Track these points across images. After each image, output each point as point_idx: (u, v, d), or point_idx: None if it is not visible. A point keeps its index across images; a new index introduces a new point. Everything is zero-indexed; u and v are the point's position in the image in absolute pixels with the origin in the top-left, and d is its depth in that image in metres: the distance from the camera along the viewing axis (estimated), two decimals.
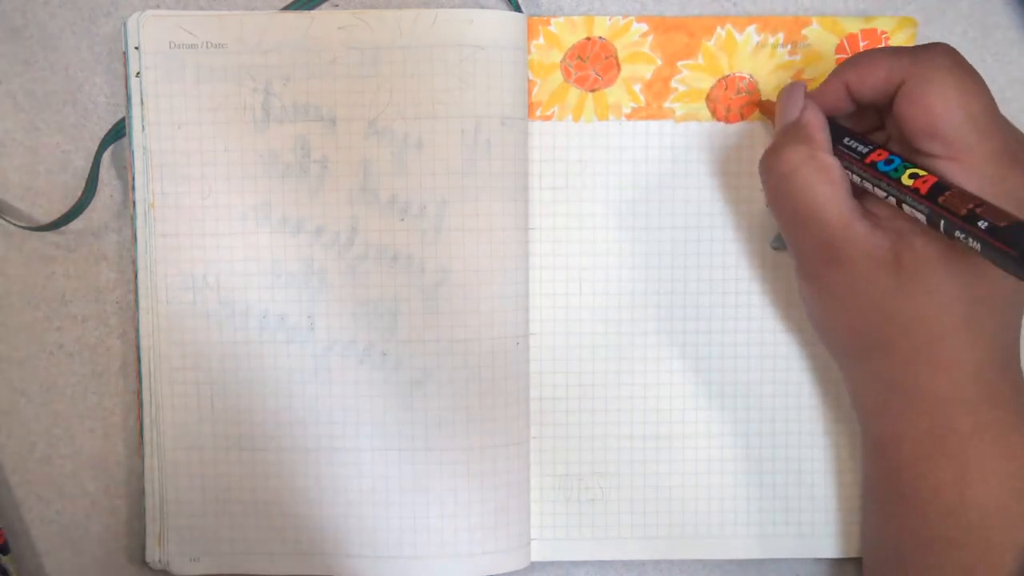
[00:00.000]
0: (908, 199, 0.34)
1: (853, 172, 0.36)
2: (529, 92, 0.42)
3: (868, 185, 0.36)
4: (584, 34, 0.42)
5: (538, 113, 0.42)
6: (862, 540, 0.41)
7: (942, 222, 0.33)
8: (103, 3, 0.42)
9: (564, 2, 0.42)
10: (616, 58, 0.42)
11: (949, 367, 0.35)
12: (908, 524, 0.37)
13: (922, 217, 0.34)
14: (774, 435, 0.42)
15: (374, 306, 0.41)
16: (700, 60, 0.42)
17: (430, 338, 0.41)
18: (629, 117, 0.42)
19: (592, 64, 0.42)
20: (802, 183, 0.36)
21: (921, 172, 0.34)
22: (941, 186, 0.33)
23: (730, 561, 0.43)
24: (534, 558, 0.42)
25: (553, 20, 0.42)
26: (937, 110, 0.34)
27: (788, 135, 0.37)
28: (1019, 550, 0.35)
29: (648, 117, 0.42)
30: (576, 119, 0.42)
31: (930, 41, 0.37)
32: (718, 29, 0.42)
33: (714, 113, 0.42)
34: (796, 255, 0.38)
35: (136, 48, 0.40)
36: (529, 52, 0.42)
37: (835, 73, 0.38)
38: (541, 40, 0.42)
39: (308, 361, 0.41)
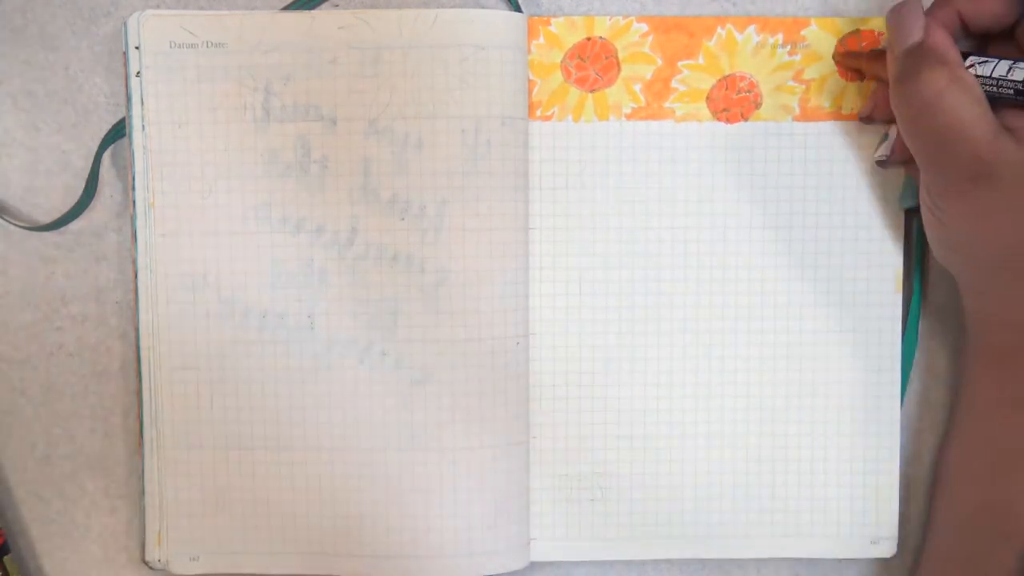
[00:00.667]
0: None
1: (999, 62, 0.36)
2: (529, 92, 0.42)
3: (1005, 89, 0.36)
4: (584, 34, 0.42)
5: (538, 113, 0.42)
6: (945, 473, 0.42)
7: None
8: (103, 3, 0.42)
9: (564, 2, 0.42)
10: (616, 58, 0.42)
11: None
12: (1022, 432, 0.38)
13: None
14: (774, 435, 0.42)
15: (374, 306, 0.41)
16: (700, 60, 0.42)
17: (430, 338, 0.41)
18: (629, 117, 0.42)
19: (592, 64, 0.42)
20: (949, 106, 0.36)
21: None
22: None
23: (730, 561, 0.43)
24: (534, 558, 0.42)
25: (553, 20, 0.42)
26: None
27: (920, 59, 0.37)
28: None
29: (648, 117, 0.42)
30: (576, 119, 0.42)
31: None
32: (718, 29, 0.42)
33: (714, 113, 0.42)
34: (940, 180, 0.37)
35: (136, 48, 0.40)
36: (529, 52, 0.42)
37: (945, 2, 0.37)
38: (541, 40, 0.42)
39: (308, 361, 0.41)
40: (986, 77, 0.37)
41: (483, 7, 0.42)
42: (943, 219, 0.38)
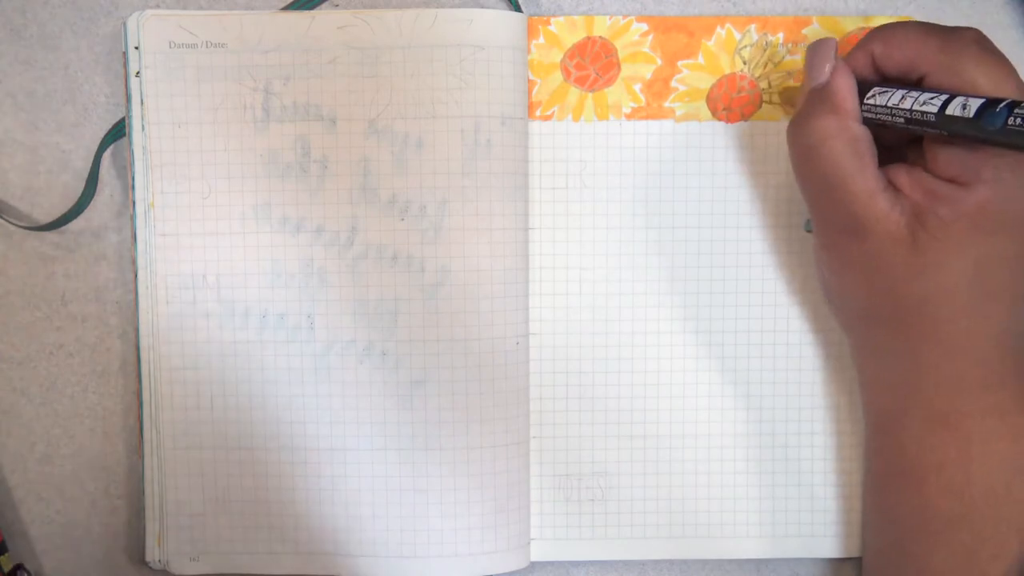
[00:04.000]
0: (958, 94, 0.33)
1: (899, 91, 0.35)
2: (529, 92, 0.42)
3: (912, 101, 0.35)
4: (584, 34, 0.42)
5: (538, 113, 0.42)
6: (863, 524, 0.42)
7: (1003, 105, 0.32)
8: (103, 3, 0.42)
9: (564, 2, 0.42)
10: (616, 58, 0.42)
11: (955, 349, 0.35)
12: (910, 502, 0.37)
13: (976, 103, 0.33)
14: (774, 435, 0.42)
15: (374, 306, 0.41)
16: (700, 60, 0.42)
17: (430, 338, 0.41)
18: (629, 117, 0.42)
19: (592, 64, 0.42)
20: (830, 155, 0.36)
21: (970, 100, 0.33)
22: (995, 101, 0.33)
23: (730, 561, 0.43)
24: (534, 558, 0.42)
25: (553, 20, 0.42)
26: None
27: (817, 102, 0.37)
28: (1023, 531, 0.35)
29: (648, 117, 0.42)
30: (576, 119, 0.42)
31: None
32: (718, 29, 0.42)
33: (714, 113, 0.42)
34: (817, 224, 0.38)
35: (136, 48, 0.40)
36: (529, 52, 0.42)
37: (863, 42, 0.37)
38: (541, 40, 0.42)
39: (308, 361, 0.41)
40: (881, 106, 0.36)
41: (483, 7, 0.42)
42: (823, 268, 0.39)
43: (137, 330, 0.41)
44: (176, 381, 0.41)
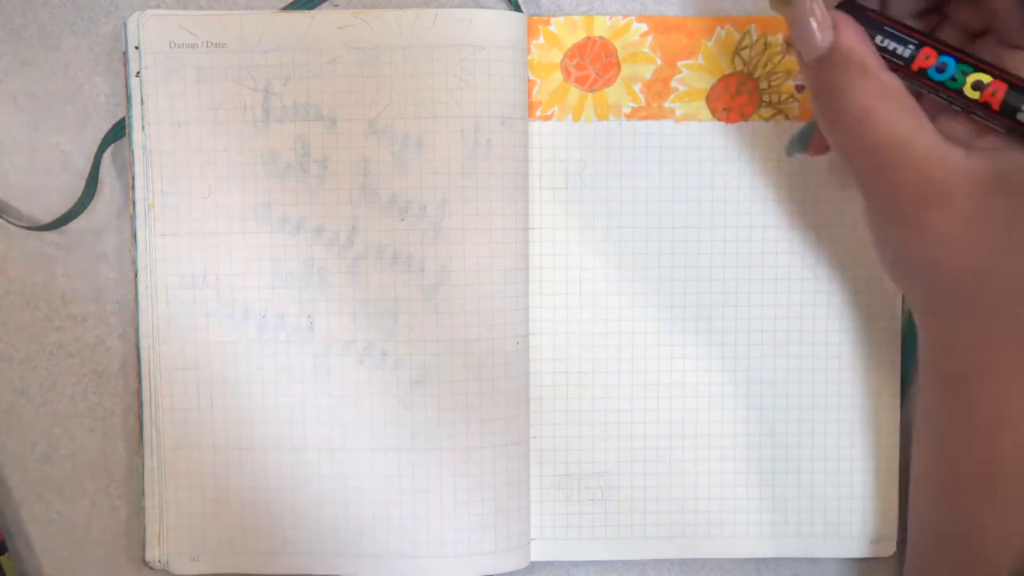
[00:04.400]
0: (978, 114, 0.29)
1: (910, 46, 0.31)
2: (529, 92, 0.42)
3: (924, 90, 0.31)
4: (584, 34, 0.42)
5: (538, 113, 0.42)
6: (912, 488, 0.40)
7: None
8: (103, 3, 0.42)
9: (564, 2, 0.42)
10: (616, 58, 0.42)
11: None
12: (981, 460, 0.35)
13: (1002, 88, 0.29)
14: (774, 435, 0.42)
15: (374, 306, 0.41)
16: (700, 60, 0.42)
17: (430, 338, 0.41)
18: (629, 117, 0.42)
19: (592, 64, 0.42)
20: (879, 120, 0.31)
21: (986, 78, 0.29)
22: (1018, 92, 0.28)
23: (730, 561, 0.43)
24: (534, 558, 0.42)
25: (553, 20, 0.42)
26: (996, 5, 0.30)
27: (836, 72, 0.32)
28: None
29: (648, 117, 0.42)
30: (576, 119, 0.42)
31: None
32: (718, 29, 0.42)
33: (714, 113, 0.42)
34: (880, 200, 0.33)
35: (136, 48, 0.40)
36: (529, 52, 0.42)
37: None
38: (541, 40, 0.42)
39: (308, 361, 0.41)
40: (903, 67, 0.31)
41: (483, 7, 0.42)
42: (893, 248, 0.35)
43: (137, 330, 0.41)
44: (176, 381, 0.41)
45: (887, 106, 0.31)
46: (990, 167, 0.31)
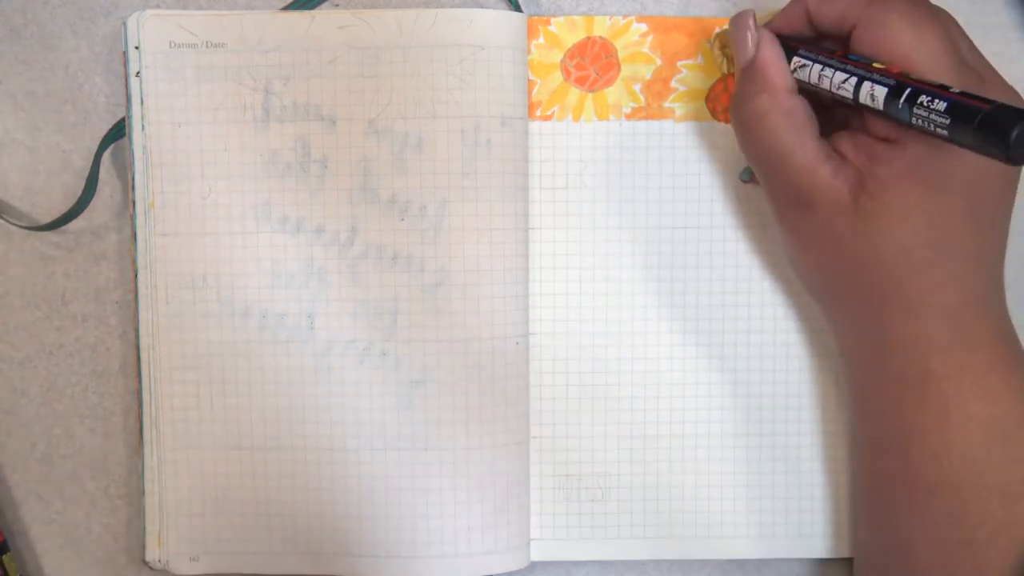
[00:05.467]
0: (874, 76, 0.33)
1: (816, 67, 0.36)
2: (529, 92, 0.42)
3: (828, 81, 0.35)
4: (584, 34, 0.42)
5: (538, 113, 0.42)
6: (853, 498, 0.41)
7: (904, 99, 0.32)
8: (103, 3, 0.42)
9: (564, 2, 0.42)
10: (616, 58, 0.42)
11: (917, 310, 0.35)
12: (894, 471, 0.37)
13: (882, 93, 0.33)
14: (774, 435, 0.42)
15: (374, 306, 0.41)
16: (700, 60, 0.42)
17: (430, 338, 0.41)
18: (629, 117, 0.42)
19: (592, 64, 0.42)
20: (768, 130, 0.36)
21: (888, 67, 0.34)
22: (907, 76, 0.33)
23: (730, 561, 0.43)
24: (534, 558, 0.42)
25: (553, 20, 0.42)
26: (893, 53, 0.34)
27: (747, 81, 0.37)
28: (1005, 496, 0.34)
29: (648, 117, 0.42)
30: (576, 119, 0.42)
31: None
32: (718, 29, 0.42)
33: (714, 113, 0.42)
34: (769, 198, 0.38)
35: (136, 48, 0.40)
36: (529, 52, 0.42)
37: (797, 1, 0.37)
38: (541, 40, 0.42)
39: (308, 361, 0.41)
40: (804, 80, 0.36)
41: (483, 7, 0.42)
42: (782, 243, 0.39)
43: (137, 330, 0.41)
44: (176, 381, 0.41)
45: (779, 120, 0.36)
46: (848, 188, 0.35)
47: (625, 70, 0.42)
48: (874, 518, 0.39)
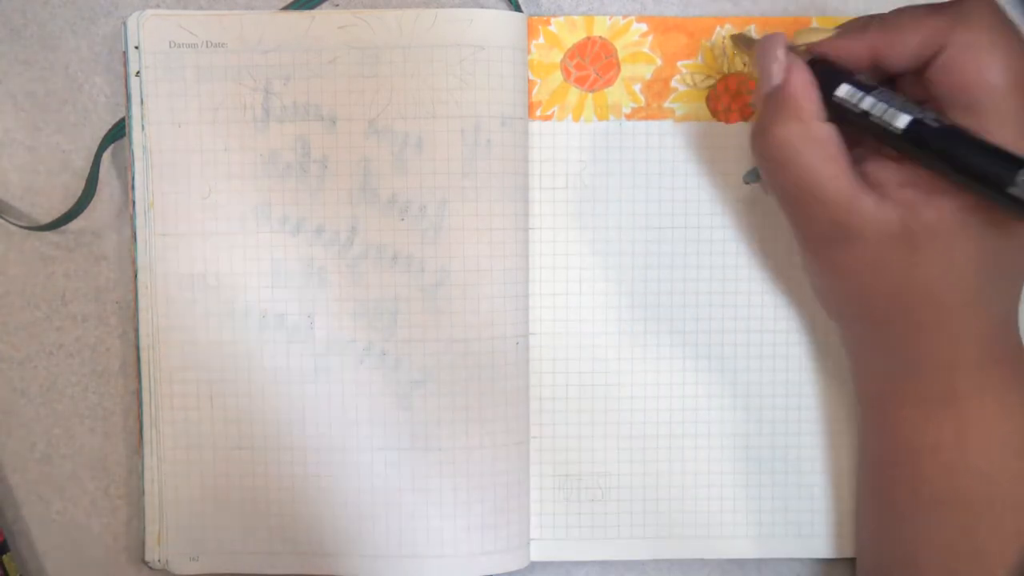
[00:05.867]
0: (908, 150, 0.33)
1: (854, 105, 0.34)
2: (529, 92, 0.42)
3: (875, 112, 0.34)
4: (584, 34, 0.42)
5: (538, 113, 0.42)
6: (856, 511, 0.41)
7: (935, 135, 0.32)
8: (103, 3, 0.42)
9: (564, 2, 0.42)
10: (616, 58, 0.42)
11: (956, 335, 0.35)
12: (905, 483, 0.37)
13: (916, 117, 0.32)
14: (774, 435, 0.42)
15: (374, 306, 0.41)
16: (700, 60, 0.42)
17: (430, 338, 0.41)
18: (629, 117, 0.42)
19: (592, 64, 0.42)
20: (799, 163, 0.34)
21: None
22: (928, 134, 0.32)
23: (730, 561, 0.43)
24: (534, 558, 0.42)
25: (553, 20, 0.42)
26: (982, 82, 0.32)
27: (775, 108, 0.35)
28: (1018, 509, 0.35)
29: (648, 117, 0.42)
30: (576, 119, 0.42)
31: None
32: (718, 29, 0.42)
33: (714, 113, 0.42)
34: (800, 233, 0.36)
35: (136, 48, 0.40)
36: (529, 52, 0.42)
37: (859, 32, 0.35)
38: (541, 40, 0.42)
39: (308, 361, 0.41)
40: (852, 108, 0.34)
41: (483, 7, 0.42)
42: (811, 275, 0.38)
43: (137, 330, 0.41)
44: (176, 381, 0.41)
45: (812, 150, 0.34)
46: (897, 218, 0.33)
47: (625, 70, 0.42)
48: (879, 528, 0.39)
